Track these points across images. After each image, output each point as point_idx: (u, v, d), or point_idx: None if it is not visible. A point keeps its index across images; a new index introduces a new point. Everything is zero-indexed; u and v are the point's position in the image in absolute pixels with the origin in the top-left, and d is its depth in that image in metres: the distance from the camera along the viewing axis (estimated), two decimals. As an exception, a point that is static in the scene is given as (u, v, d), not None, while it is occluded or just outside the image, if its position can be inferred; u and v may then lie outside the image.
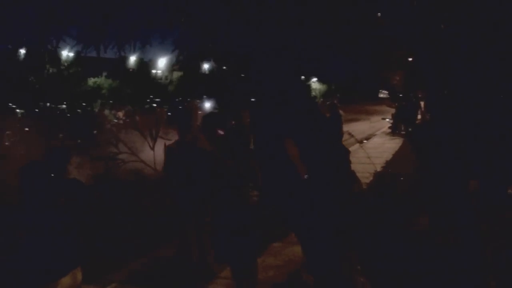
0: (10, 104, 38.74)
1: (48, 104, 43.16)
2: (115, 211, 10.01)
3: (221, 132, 6.43)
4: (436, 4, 5.89)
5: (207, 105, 51.67)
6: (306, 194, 5.78)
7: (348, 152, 6.69)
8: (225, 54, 6.23)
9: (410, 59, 15.62)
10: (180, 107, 43.84)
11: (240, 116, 7.63)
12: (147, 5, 5.24)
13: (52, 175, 4.74)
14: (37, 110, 34.42)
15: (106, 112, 35.04)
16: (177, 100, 62.98)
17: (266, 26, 5.48)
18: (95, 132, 23.55)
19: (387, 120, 28.30)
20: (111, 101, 52.78)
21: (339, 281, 5.89)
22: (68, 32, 5.25)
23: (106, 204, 10.32)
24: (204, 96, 56.84)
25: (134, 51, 5.69)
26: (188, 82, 65.36)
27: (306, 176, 5.75)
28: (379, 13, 6.89)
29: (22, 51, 31.71)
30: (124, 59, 65.81)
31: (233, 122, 7.80)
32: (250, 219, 6.01)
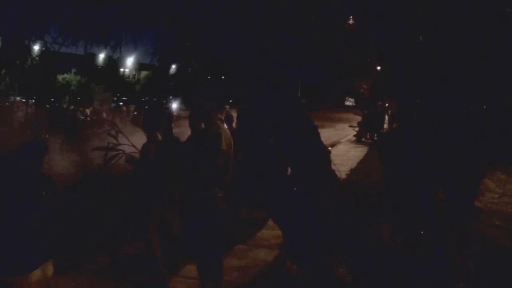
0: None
1: (18, 98, 42.59)
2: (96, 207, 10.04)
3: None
4: (413, 12, 5.98)
5: (174, 105, 51.54)
6: (290, 188, 5.91)
7: (329, 152, 6.82)
8: (208, 56, 6.26)
9: (379, 67, 15.80)
10: (146, 107, 43.62)
11: (209, 117, 7.59)
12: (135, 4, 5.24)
13: (27, 167, 4.70)
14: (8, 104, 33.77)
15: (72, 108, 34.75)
16: (143, 99, 62.77)
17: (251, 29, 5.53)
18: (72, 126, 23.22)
19: (353, 128, 28.39)
20: (79, 98, 52.37)
21: (321, 271, 6.00)
22: (53, 25, 5.22)
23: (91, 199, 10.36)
24: (170, 97, 56.68)
25: (114, 49, 5.65)
26: (155, 82, 65.13)
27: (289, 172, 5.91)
28: (350, 19, 6.97)
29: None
30: (93, 56, 65.49)
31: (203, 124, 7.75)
32: (216, 219, 6.04)
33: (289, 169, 6.66)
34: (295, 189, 6.03)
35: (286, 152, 5.98)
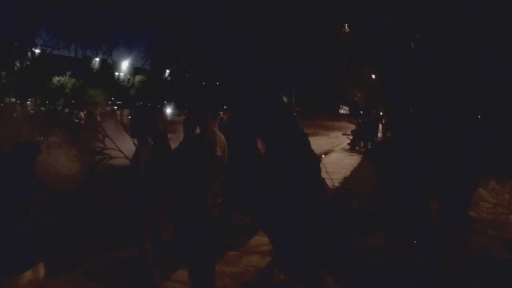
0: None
1: (14, 99, 42.58)
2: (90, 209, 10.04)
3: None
4: (406, 23, 6.00)
5: (168, 110, 51.54)
6: (279, 195, 5.90)
7: (318, 160, 6.81)
8: (202, 59, 6.25)
9: (373, 76, 15.81)
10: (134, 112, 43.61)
11: (205, 122, 7.58)
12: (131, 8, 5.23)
13: (19, 168, 4.68)
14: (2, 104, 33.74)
15: (66, 111, 34.66)
16: (138, 103, 62.71)
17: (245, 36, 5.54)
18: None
19: (347, 136, 28.40)
20: (73, 101, 52.37)
21: (309, 280, 6.00)
22: (45, 28, 5.21)
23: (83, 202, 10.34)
24: (165, 102, 56.68)
25: (108, 52, 5.65)
26: (150, 86, 65.15)
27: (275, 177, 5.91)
28: (346, 27, 6.99)
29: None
30: (89, 59, 65.47)
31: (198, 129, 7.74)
32: (208, 225, 6.04)
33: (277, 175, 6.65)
34: (283, 196, 6.02)
35: (275, 159, 5.97)
